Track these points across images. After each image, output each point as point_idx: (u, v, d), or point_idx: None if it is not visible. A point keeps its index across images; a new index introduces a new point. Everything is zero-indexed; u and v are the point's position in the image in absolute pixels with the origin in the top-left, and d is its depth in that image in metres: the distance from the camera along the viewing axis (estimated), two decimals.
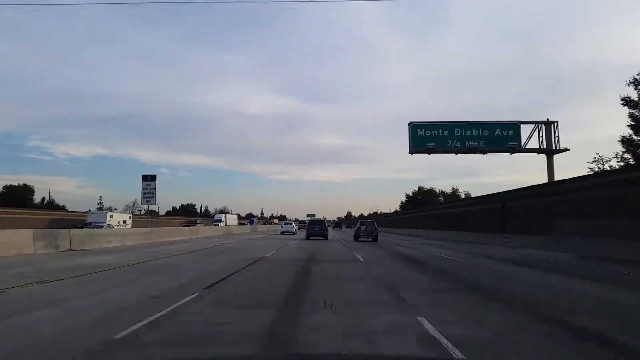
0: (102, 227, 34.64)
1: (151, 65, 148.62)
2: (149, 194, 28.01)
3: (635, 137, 30.41)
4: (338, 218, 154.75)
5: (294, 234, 43.26)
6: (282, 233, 43.99)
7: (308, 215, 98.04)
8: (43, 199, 75.09)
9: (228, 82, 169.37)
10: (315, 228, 32.42)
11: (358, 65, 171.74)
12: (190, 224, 59.41)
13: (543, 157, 32.13)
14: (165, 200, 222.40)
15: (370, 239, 30.21)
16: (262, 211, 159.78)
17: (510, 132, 31.92)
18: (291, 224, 51.48)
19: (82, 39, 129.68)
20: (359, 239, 30.65)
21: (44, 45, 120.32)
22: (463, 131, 32.18)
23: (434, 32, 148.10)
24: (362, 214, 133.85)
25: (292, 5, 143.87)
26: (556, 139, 31.24)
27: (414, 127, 32.65)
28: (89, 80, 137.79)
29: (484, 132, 31.96)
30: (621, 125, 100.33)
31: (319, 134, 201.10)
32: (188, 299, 6.48)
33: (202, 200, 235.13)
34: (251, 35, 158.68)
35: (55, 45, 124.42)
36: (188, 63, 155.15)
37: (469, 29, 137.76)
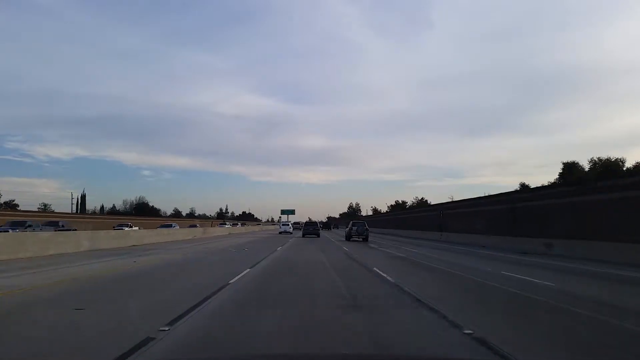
0: None
1: (131, 65, 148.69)
2: None
3: None
4: (328, 218, 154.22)
5: (291, 233, 49.00)
6: (280, 233, 49.38)
7: (283, 212, 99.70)
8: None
9: (210, 82, 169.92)
10: (309, 228, 41.25)
11: (341, 67, 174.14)
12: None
13: None
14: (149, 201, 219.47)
15: (361, 239, 32.97)
16: (226, 208, 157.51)
17: None
18: (288, 224, 55.35)
19: (60, 39, 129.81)
20: (351, 239, 33.33)
21: (20, 44, 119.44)
22: None
23: (416, 35, 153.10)
24: (359, 213, 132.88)
25: (275, 5, 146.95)
26: None
27: None
28: (67, 81, 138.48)
29: None
30: (598, 127, 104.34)
31: (303, 135, 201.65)
32: None
33: (185, 202, 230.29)
34: (233, 36, 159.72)
35: (33, 44, 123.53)
36: (169, 63, 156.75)
37: (450, 31, 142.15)
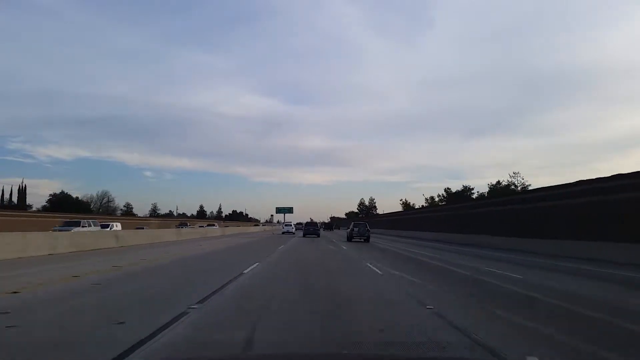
0: None
1: (132, 66, 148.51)
2: None
3: None
4: (331, 218, 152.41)
5: (293, 234, 50.11)
6: (283, 233, 51.40)
7: (278, 210, 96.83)
8: None
9: (210, 83, 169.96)
10: (310, 229, 44.07)
11: (342, 67, 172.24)
12: None
13: None
14: (150, 203, 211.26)
15: (363, 240, 33.25)
16: (219, 207, 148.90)
17: None
18: (291, 225, 57.43)
19: (60, 39, 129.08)
20: (352, 240, 33.78)
21: (21, 45, 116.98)
22: None
23: (416, 35, 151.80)
24: (374, 211, 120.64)
25: (275, 6, 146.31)
26: None
27: None
28: (68, 81, 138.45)
29: None
30: (599, 129, 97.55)
31: (304, 136, 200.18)
32: None
33: (184, 202, 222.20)
34: (234, 36, 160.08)
35: (33, 45, 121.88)
36: (170, 64, 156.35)
37: (451, 31, 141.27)
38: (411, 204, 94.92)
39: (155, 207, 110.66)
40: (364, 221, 44.15)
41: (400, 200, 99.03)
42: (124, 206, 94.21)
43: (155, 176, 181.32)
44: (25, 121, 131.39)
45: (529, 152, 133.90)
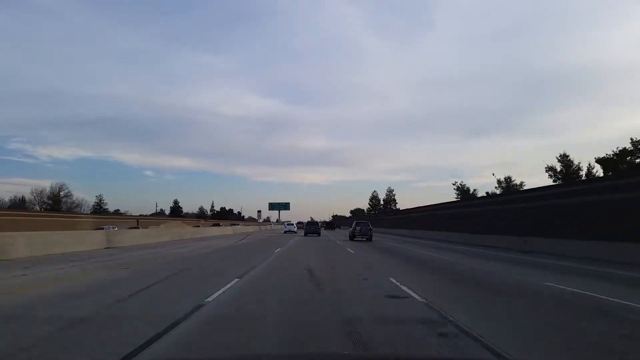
0: None
1: (132, 66, 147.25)
2: None
3: None
4: (333, 217, 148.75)
5: (295, 232, 50.88)
6: (285, 232, 51.37)
7: (272, 207, 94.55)
8: None
9: (211, 83, 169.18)
10: (311, 228, 45.64)
11: (342, 67, 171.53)
12: None
13: None
14: (151, 203, 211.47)
15: (365, 239, 33.42)
16: (212, 205, 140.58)
17: None
18: (293, 224, 58.11)
19: (60, 39, 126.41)
20: (355, 239, 33.73)
21: (21, 45, 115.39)
22: None
23: (417, 36, 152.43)
24: (393, 206, 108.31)
25: (276, 6, 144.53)
26: None
27: None
28: (68, 82, 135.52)
29: None
30: (599, 129, 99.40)
31: (304, 136, 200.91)
32: None
33: (185, 202, 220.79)
34: (235, 37, 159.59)
35: (33, 45, 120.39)
36: (170, 64, 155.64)
37: (451, 32, 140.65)
38: (471, 190, 64.84)
39: (101, 200, 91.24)
40: (365, 220, 45.04)
41: (454, 183, 77.20)
42: (44, 201, 77.71)
43: (156, 176, 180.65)
44: (25, 121, 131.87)
45: (529, 152, 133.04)
